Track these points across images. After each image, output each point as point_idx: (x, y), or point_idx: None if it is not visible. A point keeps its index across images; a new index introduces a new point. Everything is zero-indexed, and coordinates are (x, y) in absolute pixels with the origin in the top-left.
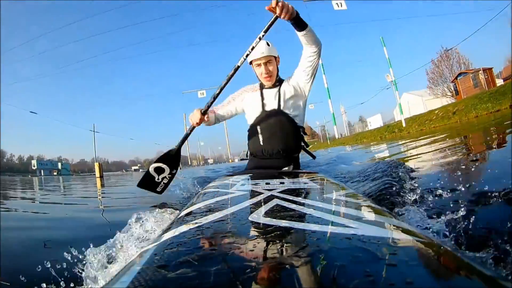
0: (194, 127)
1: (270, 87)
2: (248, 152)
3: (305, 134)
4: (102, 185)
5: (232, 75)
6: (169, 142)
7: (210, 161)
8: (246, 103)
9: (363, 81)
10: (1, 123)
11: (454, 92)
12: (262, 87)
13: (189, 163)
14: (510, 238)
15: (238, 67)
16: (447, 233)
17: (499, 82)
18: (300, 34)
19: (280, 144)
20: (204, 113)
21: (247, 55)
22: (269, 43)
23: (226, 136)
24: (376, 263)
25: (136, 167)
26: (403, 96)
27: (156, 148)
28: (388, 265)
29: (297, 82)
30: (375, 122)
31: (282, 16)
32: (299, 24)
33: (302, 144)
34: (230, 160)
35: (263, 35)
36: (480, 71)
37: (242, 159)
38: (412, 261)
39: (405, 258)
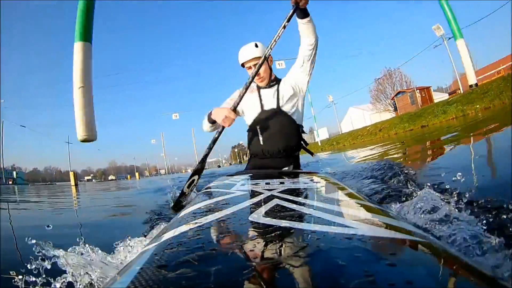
0: (223, 129)
1: (267, 87)
2: (248, 153)
3: (304, 132)
4: (78, 194)
5: (259, 66)
6: (131, 154)
7: (162, 171)
8: (245, 104)
9: (313, 95)
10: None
11: (394, 108)
12: (258, 87)
13: (138, 174)
14: (509, 238)
15: (266, 58)
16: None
17: (443, 96)
18: (303, 22)
19: (281, 143)
20: (234, 110)
21: (272, 46)
22: (258, 44)
23: (194, 145)
24: (376, 263)
25: (89, 177)
26: (349, 110)
27: (109, 158)
28: (388, 265)
29: (294, 79)
30: (322, 134)
31: (301, 4)
32: (305, 11)
33: (302, 142)
34: (183, 171)
35: (285, 25)
36: (416, 90)
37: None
38: (412, 261)
39: (405, 258)
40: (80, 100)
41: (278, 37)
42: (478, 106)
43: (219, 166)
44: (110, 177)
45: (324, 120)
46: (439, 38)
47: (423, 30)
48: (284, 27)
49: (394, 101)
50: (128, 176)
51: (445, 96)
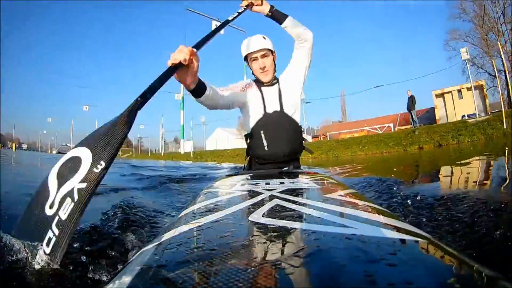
0: (175, 67)
1: (268, 85)
2: (247, 157)
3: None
4: None
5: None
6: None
7: (24, 146)
8: (246, 103)
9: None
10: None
11: None
12: (259, 85)
13: (14, 144)
14: (509, 238)
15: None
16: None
17: (307, 137)
18: (282, 27)
19: (286, 148)
20: (195, 48)
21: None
22: (265, 37)
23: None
24: (376, 263)
25: None
26: (216, 130)
27: None
28: (388, 265)
29: (292, 77)
30: (187, 146)
31: (250, 8)
32: (276, 17)
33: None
34: (49, 151)
35: (231, 19)
36: None
37: (59, 152)
38: (412, 261)
39: (405, 258)
40: None
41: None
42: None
43: None
44: None
45: (190, 133)
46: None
47: None
48: (228, 21)
49: None
50: None
51: (308, 138)
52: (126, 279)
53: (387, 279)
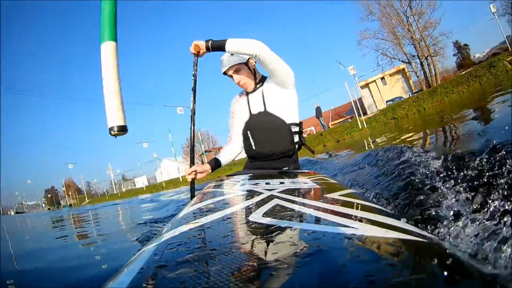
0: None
1: (254, 91)
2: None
3: (301, 128)
4: None
5: (193, 122)
6: None
7: None
8: (238, 113)
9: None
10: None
11: (202, 162)
12: (247, 92)
13: None
14: (508, 237)
15: (194, 112)
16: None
17: None
18: (227, 52)
19: (272, 145)
20: (193, 163)
21: (193, 102)
22: None
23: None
24: (376, 263)
25: None
26: (163, 161)
27: None
28: (388, 265)
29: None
30: (141, 181)
31: (200, 55)
32: (221, 48)
33: (299, 140)
34: (8, 212)
35: (194, 75)
36: (218, 150)
37: (17, 212)
38: (412, 261)
39: (405, 258)
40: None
41: (195, 86)
42: None
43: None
44: None
45: (143, 169)
46: None
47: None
48: (194, 78)
49: (202, 157)
50: None
51: None
52: (126, 279)
53: (387, 279)
